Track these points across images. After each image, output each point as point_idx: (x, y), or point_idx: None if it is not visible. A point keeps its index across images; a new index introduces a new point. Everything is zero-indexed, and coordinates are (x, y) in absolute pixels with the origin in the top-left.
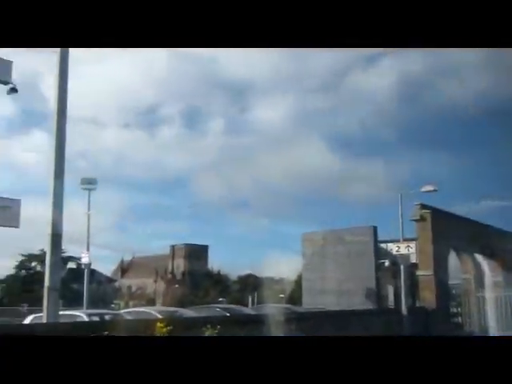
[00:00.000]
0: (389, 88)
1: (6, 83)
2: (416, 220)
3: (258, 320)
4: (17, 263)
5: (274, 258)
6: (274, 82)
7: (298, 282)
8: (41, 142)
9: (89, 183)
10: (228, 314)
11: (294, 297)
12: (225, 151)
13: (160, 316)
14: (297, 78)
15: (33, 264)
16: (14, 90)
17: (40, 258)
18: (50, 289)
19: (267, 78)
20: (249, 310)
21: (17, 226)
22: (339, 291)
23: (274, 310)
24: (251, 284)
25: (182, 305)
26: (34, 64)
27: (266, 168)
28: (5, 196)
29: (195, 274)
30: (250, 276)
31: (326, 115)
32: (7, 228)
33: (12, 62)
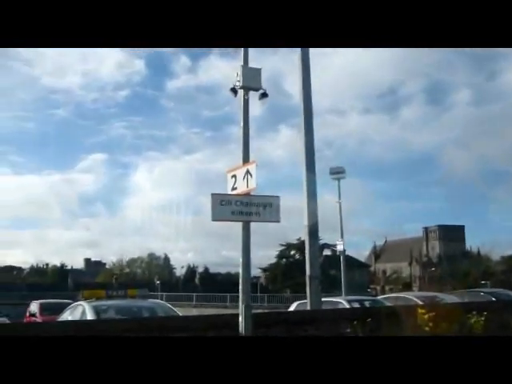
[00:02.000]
0: None
1: (257, 90)
2: None
3: None
4: (277, 252)
5: None
6: None
7: None
8: (289, 137)
9: (337, 172)
10: (494, 299)
11: None
12: (474, 123)
13: (419, 302)
14: None
15: (292, 252)
16: (264, 95)
17: (297, 247)
18: (311, 278)
19: None
20: None
21: (278, 221)
22: None
23: None
24: None
25: (440, 289)
26: (276, 64)
27: None
28: (266, 194)
29: (452, 256)
30: None
31: None
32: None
33: (261, 69)
